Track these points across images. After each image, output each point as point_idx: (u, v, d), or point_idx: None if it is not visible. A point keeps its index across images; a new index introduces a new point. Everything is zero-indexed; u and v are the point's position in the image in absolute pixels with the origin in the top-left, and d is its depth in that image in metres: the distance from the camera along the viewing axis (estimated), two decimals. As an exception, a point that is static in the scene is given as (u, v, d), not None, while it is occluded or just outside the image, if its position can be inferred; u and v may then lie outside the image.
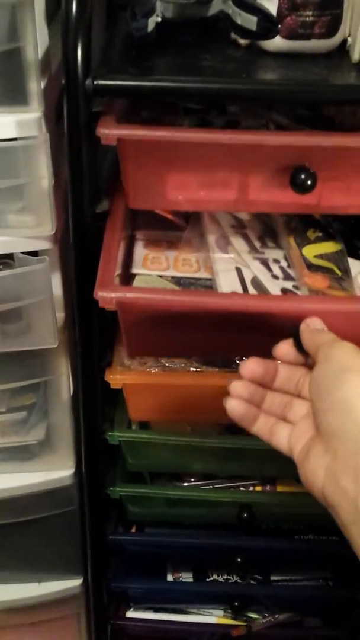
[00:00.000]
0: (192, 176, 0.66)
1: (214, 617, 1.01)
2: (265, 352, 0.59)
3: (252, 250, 0.75)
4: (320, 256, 0.74)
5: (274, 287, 0.70)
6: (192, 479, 0.92)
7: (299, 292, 0.69)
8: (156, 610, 1.02)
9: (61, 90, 0.63)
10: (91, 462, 0.84)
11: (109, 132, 0.61)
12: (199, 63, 0.63)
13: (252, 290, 0.70)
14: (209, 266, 0.74)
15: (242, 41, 0.66)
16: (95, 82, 0.59)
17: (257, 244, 0.75)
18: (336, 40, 0.65)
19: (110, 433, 0.82)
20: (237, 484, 0.92)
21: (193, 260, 0.77)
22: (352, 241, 0.78)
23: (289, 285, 0.71)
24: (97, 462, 0.84)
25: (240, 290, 0.70)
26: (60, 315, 0.78)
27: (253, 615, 1.01)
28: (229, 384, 0.55)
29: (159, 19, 0.64)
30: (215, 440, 0.84)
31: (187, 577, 1.00)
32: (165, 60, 0.64)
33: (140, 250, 0.78)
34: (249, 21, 0.63)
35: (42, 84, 0.64)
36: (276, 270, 0.72)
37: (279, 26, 0.63)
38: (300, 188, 0.62)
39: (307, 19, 0.63)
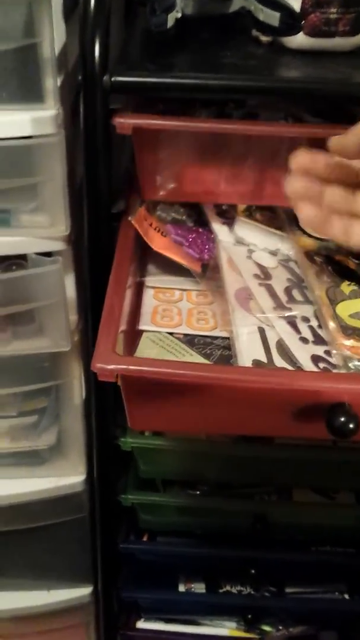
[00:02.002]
0: (207, 168, 0.66)
1: (226, 629, 0.99)
2: (288, 433, 0.56)
3: (277, 306, 0.67)
4: (357, 315, 0.65)
5: (303, 353, 0.62)
6: (206, 487, 0.90)
7: (332, 360, 0.61)
8: (167, 621, 1.00)
9: (78, 88, 0.62)
10: (102, 468, 0.83)
11: (125, 120, 0.60)
12: (220, 60, 0.63)
13: (276, 356, 0.61)
14: (227, 321, 0.66)
15: (264, 38, 0.65)
16: (113, 79, 0.59)
17: (284, 298, 0.68)
18: (360, 38, 0.64)
19: (122, 439, 0.80)
20: (252, 492, 0.90)
21: (209, 315, 0.69)
22: None
23: (320, 351, 0.62)
24: (108, 468, 0.83)
25: (263, 356, 0.61)
26: (73, 317, 0.77)
27: (267, 628, 0.98)
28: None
29: (179, 15, 0.63)
30: (230, 448, 0.83)
31: (199, 587, 0.98)
32: (185, 57, 0.63)
33: (149, 301, 0.71)
34: (272, 17, 0.62)
35: (59, 81, 0.63)
36: (305, 332, 0.64)
37: (302, 23, 0.62)
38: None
39: (331, 16, 0.62)
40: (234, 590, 0.97)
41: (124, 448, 0.81)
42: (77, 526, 0.94)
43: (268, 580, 0.97)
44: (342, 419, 0.52)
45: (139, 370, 0.53)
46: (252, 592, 0.96)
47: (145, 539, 0.95)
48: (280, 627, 0.99)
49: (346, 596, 0.97)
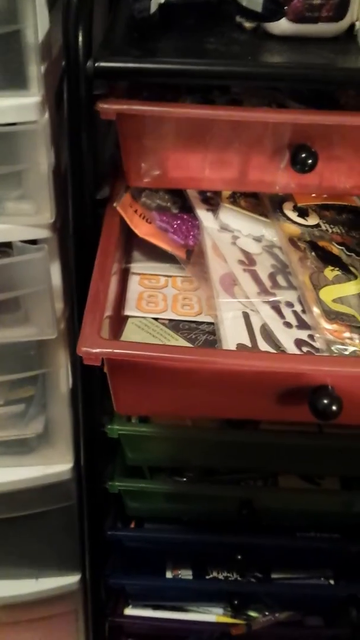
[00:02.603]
0: (192, 154, 0.66)
1: (213, 615, 1.00)
2: (273, 417, 0.56)
3: (261, 291, 0.67)
4: (340, 300, 0.66)
5: (287, 338, 0.62)
6: (192, 474, 0.91)
7: (315, 344, 0.62)
8: (155, 607, 1.00)
9: (62, 74, 0.62)
10: (90, 455, 0.83)
11: (108, 106, 0.60)
12: (203, 46, 0.63)
13: (261, 340, 0.62)
14: (212, 306, 0.66)
15: (248, 24, 0.65)
16: (96, 65, 0.59)
17: (268, 284, 0.68)
18: (344, 24, 0.64)
19: (109, 427, 0.81)
20: (238, 478, 0.90)
21: (194, 300, 0.70)
22: None
23: (303, 335, 0.63)
24: (96, 456, 0.83)
25: (247, 340, 0.62)
26: (59, 305, 0.77)
27: (253, 614, 0.99)
28: None
29: (162, 1, 0.63)
30: (216, 435, 0.83)
31: (186, 574, 0.98)
32: (169, 43, 0.63)
33: (134, 287, 0.71)
34: (255, 3, 0.62)
35: (43, 68, 0.63)
36: (289, 317, 0.65)
37: (286, 9, 0.62)
38: (302, 167, 0.62)
39: (315, 2, 0.63)
40: (220, 576, 0.98)
41: (110, 435, 0.82)
42: (65, 514, 0.94)
43: (254, 566, 0.97)
44: (325, 401, 0.52)
45: (124, 353, 0.53)
46: (239, 578, 0.97)
47: (132, 526, 0.96)
48: (267, 613, 1.00)
49: (331, 582, 0.98)
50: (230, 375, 0.56)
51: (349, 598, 0.97)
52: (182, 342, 0.64)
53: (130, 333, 0.65)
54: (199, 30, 0.65)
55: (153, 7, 0.61)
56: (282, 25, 0.63)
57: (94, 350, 0.53)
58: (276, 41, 0.64)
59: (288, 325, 0.64)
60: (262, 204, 0.76)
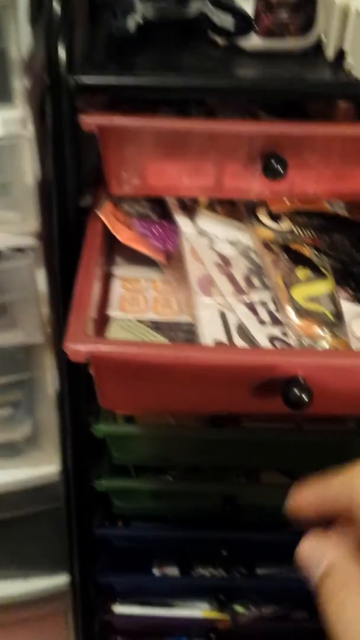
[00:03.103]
0: (170, 163, 0.68)
1: (199, 610, 1.02)
2: (250, 409, 0.58)
3: (237, 291, 0.70)
4: (311, 299, 0.69)
5: (261, 334, 0.65)
6: (176, 472, 0.93)
7: (287, 340, 0.65)
8: (142, 604, 1.02)
9: (45, 89, 0.65)
10: (77, 455, 0.85)
11: (90, 119, 0.63)
12: (179, 61, 0.66)
13: (236, 337, 0.66)
14: (191, 307, 0.70)
15: (221, 40, 0.68)
16: (77, 79, 0.61)
17: (243, 285, 0.71)
18: (311, 39, 0.67)
19: (95, 426, 0.83)
20: (221, 475, 0.93)
21: (174, 301, 0.73)
22: (345, 280, 0.73)
23: (277, 331, 0.66)
24: (83, 456, 0.85)
25: (224, 337, 0.65)
26: (45, 310, 0.79)
27: (239, 609, 1.02)
28: None
29: (140, 19, 0.66)
30: (199, 433, 0.86)
31: (172, 571, 1.01)
32: (147, 59, 0.65)
33: (117, 290, 0.74)
34: (226, 21, 0.65)
35: (26, 83, 0.66)
36: (263, 315, 0.68)
37: (255, 26, 0.65)
38: (272, 174, 0.65)
39: (283, 18, 0.66)
40: (206, 572, 1.00)
41: (97, 435, 0.84)
42: (54, 515, 0.95)
43: (239, 561, 1.00)
44: (297, 392, 0.55)
45: (108, 350, 0.56)
46: (224, 574, 1.00)
47: (119, 525, 0.98)
48: (252, 608, 1.02)
49: (314, 575, 1.00)
50: (207, 370, 0.59)
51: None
52: (163, 341, 0.67)
53: (114, 333, 0.68)
54: (175, 46, 0.68)
55: (131, 25, 0.64)
56: (253, 41, 0.66)
57: (80, 348, 0.56)
58: (247, 56, 0.67)
59: (262, 322, 0.67)
60: (238, 210, 0.79)
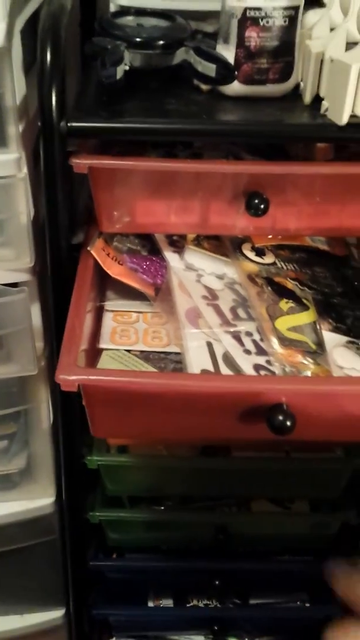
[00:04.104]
0: (158, 202, 0.71)
1: (195, 643, 1.02)
2: (236, 435, 0.60)
3: (223, 323, 0.73)
4: (294, 329, 0.72)
5: (246, 363, 0.68)
6: (170, 503, 0.95)
7: (272, 368, 0.68)
8: (138, 638, 1.03)
9: (38, 134, 0.68)
10: (71, 487, 0.86)
11: (80, 161, 0.66)
12: (165, 106, 0.68)
13: (223, 366, 0.68)
14: (179, 337, 0.72)
15: (204, 87, 0.71)
16: (69, 124, 0.65)
17: (229, 316, 0.74)
18: (290, 84, 0.71)
19: (88, 457, 0.85)
20: (213, 505, 0.94)
21: (163, 333, 0.75)
22: (327, 311, 0.76)
23: (261, 360, 0.68)
24: (77, 488, 0.86)
25: (210, 366, 0.68)
26: (40, 344, 0.81)
27: (233, 640, 1.02)
28: None
29: (127, 68, 0.69)
30: (190, 462, 0.88)
31: (167, 603, 1.01)
32: (134, 104, 0.69)
33: (108, 322, 0.77)
34: (209, 69, 0.68)
35: (21, 128, 0.69)
36: (248, 345, 0.70)
37: (236, 73, 0.69)
38: (255, 211, 0.68)
39: (262, 66, 0.69)
40: (200, 604, 1.00)
41: (90, 466, 0.85)
42: (49, 548, 0.96)
43: (232, 591, 1.00)
44: (281, 418, 0.58)
45: (98, 379, 0.59)
46: (218, 605, 1.00)
47: (114, 557, 0.99)
48: (246, 638, 1.02)
49: (307, 605, 1.01)
50: (195, 397, 0.61)
51: (324, 619, 1.01)
52: (153, 371, 0.70)
53: (105, 364, 0.70)
54: (161, 92, 0.71)
55: (119, 74, 0.67)
56: (234, 87, 0.69)
57: (71, 377, 0.58)
58: (230, 101, 0.70)
59: (247, 352, 0.69)
60: (223, 245, 0.82)
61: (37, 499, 0.93)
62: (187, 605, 1.01)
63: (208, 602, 1.01)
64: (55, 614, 1.03)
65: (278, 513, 0.94)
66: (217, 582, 0.95)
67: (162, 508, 0.94)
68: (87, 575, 0.95)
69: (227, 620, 1.01)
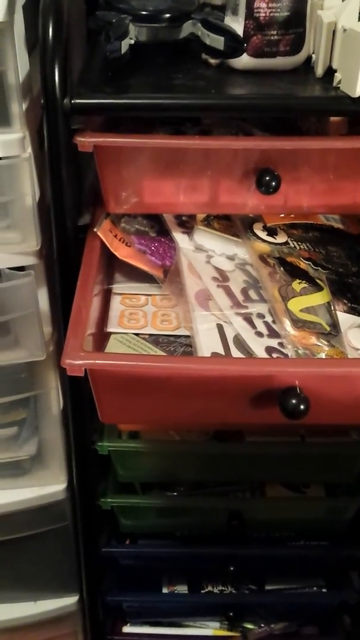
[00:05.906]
0: (167, 181, 0.70)
1: (210, 629, 1.01)
2: (248, 420, 0.58)
3: (234, 305, 0.71)
4: (307, 310, 0.70)
5: (258, 346, 0.66)
6: (182, 488, 0.93)
7: (284, 351, 0.66)
8: (152, 624, 1.02)
9: (42, 111, 0.66)
10: (82, 473, 0.85)
11: (85, 139, 0.64)
12: (172, 81, 0.67)
13: (234, 349, 0.66)
14: (189, 320, 0.70)
15: (212, 60, 0.70)
16: (72, 101, 0.63)
17: (240, 298, 0.72)
18: (301, 57, 0.69)
19: (99, 443, 0.84)
20: (227, 490, 0.93)
21: (172, 316, 0.74)
22: (341, 291, 0.74)
23: (274, 343, 0.66)
24: (88, 473, 0.85)
25: (221, 349, 0.65)
26: (47, 328, 0.80)
27: (249, 626, 1.01)
28: None
29: (132, 42, 0.67)
30: (202, 447, 0.86)
31: (182, 589, 1.00)
32: (140, 80, 0.67)
33: (116, 306, 0.75)
34: (217, 41, 0.66)
35: (24, 106, 0.67)
36: (260, 327, 0.68)
37: (246, 45, 0.67)
38: (266, 189, 0.66)
39: (272, 37, 0.67)
40: (215, 590, 1.00)
41: (101, 452, 0.85)
42: (61, 534, 0.95)
43: (247, 577, 0.99)
44: (294, 401, 0.56)
45: (104, 363, 0.57)
46: (233, 591, 0.99)
47: (127, 543, 0.98)
48: (262, 624, 1.01)
49: (323, 590, 1.00)
50: (204, 381, 0.59)
51: (340, 605, 1.00)
52: (161, 354, 0.68)
53: (113, 348, 0.69)
54: (167, 67, 0.69)
55: (124, 48, 0.65)
56: (244, 61, 0.67)
57: (77, 362, 0.57)
58: (239, 75, 0.68)
59: (259, 334, 0.67)
60: (234, 225, 0.80)
61: (48, 486, 0.92)
62: (202, 591, 1.00)
63: (223, 588, 1.00)
64: (68, 601, 1.02)
65: (293, 498, 0.93)
66: (232, 568, 0.94)
67: (175, 494, 0.93)
68: (100, 561, 0.94)
69: (242, 606, 1.00)
